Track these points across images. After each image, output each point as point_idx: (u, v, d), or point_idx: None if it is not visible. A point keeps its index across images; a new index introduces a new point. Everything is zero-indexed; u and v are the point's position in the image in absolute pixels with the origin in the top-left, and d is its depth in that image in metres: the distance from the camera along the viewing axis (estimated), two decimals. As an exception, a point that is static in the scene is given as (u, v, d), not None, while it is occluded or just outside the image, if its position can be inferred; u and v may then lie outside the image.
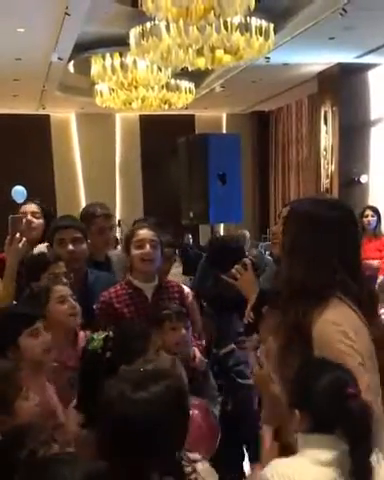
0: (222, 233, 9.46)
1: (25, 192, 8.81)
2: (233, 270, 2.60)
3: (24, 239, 2.94)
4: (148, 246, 2.96)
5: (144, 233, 3.02)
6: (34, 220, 3.51)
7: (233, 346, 3.27)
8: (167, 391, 1.44)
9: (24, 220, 3.19)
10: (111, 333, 2.14)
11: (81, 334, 2.69)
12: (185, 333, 2.74)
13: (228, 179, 5.46)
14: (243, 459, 3.42)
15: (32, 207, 3.59)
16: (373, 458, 1.56)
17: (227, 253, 3.59)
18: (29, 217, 3.47)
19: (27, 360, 2.21)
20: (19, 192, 8.69)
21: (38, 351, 2.26)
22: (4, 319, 2.32)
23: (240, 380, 3.16)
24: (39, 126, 11.48)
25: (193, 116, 12.35)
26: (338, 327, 1.73)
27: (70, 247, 3.12)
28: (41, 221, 3.52)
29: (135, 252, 2.98)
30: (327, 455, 1.56)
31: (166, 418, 1.42)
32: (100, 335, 2.16)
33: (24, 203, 3.72)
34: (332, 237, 1.83)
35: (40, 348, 2.27)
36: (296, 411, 1.62)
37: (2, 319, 2.33)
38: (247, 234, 9.14)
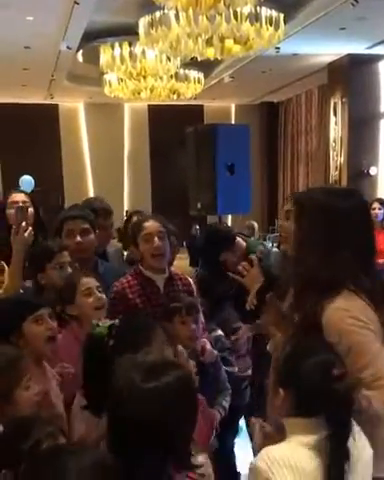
0: (230, 224, 9.44)
1: (33, 181, 8.81)
2: (239, 267, 2.59)
3: (30, 228, 2.94)
4: (157, 239, 2.94)
5: (151, 225, 2.99)
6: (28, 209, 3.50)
7: (220, 332, 3.28)
8: (177, 381, 1.43)
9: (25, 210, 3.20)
10: (117, 321, 2.14)
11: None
12: (195, 327, 2.72)
13: (236, 170, 5.44)
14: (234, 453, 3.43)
15: (21, 196, 3.58)
16: (350, 442, 1.57)
17: (218, 241, 3.61)
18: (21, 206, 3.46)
19: (30, 347, 2.22)
20: (27, 181, 8.69)
21: (41, 338, 2.26)
22: (9, 305, 2.32)
23: (224, 367, 3.17)
24: (48, 116, 11.47)
25: (202, 106, 12.31)
26: (348, 312, 1.75)
27: (78, 238, 3.11)
28: (31, 210, 3.51)
29: (145, 246, 2.96)
30: (310, 439, 1.58)
31: (178, 408, 1.41)
32: (106, 323, 2.15)
33: (11, 193, 3.70)
34: (345, 228, 1.83)
35: (44, 335, 2.27)
36: (280, 390, 1.64)
37: (7, 305, 2.33)
38: (255, 225, 9.12)
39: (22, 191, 3.75)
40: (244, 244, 3.67)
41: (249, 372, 3.39)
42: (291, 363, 1.67)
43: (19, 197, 3.56)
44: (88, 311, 2.60)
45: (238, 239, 3.72)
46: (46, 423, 1.64)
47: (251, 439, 3.53)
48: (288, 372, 1.66)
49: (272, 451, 1.61)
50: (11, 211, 3.28)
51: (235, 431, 3.44)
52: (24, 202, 3.50)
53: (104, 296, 2.68)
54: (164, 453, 1.40)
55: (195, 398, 1.52)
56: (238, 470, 3.36)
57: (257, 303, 2.20)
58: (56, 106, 11.75)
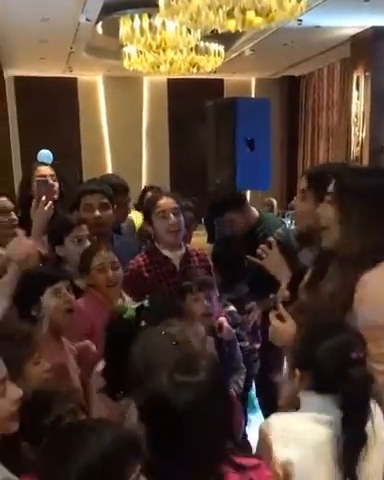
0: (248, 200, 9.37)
1: (51, 155, 8.79)
2: (258, 250, 2.58)
3: (50, 202, 2.94)
4: (172, 216, 2.92)
5: (165, 202, 2.97)
6: (55, 183, 3.50)
7: (232, 308, 3.29)
8: (208, 374, 1.39)
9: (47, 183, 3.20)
10: (146, 302, 2.12)
11: (127, 298, 2.70)
12: (208, 304, 2.71)
13: (256, 145, 5.36)
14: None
15: (48, 169, 3.58)
16: (368, 427, 1.54)
17: (225, 199, 3.59)
18: (50, 181, 3.47)
19: (48, 319, 2.23)
20: (45, 155, 8.67)
21: (59, 310, 2.28)
22: (28, 278, 2.34)
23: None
24: (66, 89, 11.41)
25: (222, 81, 12.14)
26: (381, 282, 1.77)
27: (97, 213, 3.11)
28: (57, 184, 3.52)
29: (160, 223, 2.94)
30: (326, 416, 1.56)
31: (210, 402, 1.38)
32: (133, 304, 2.14)
33: (38, 165, 3.69)
34: (379, 207, 1.86)
35: (62, 307, 2.29)
36: (297, 371, 1.63)
37: (26, 278, 2.35)
38: (274, 202, 9.05)
39: (47, 164, 3.75)
40: (256, 212, 3.66)
41: (258, 345, 3.43)
42: (308, 343, 1.64)
43: (45, 170, 3.56)
44: (101, 287, 2.61)
45: (253, 208, 3.72)
46: (66, 399, 1.66)
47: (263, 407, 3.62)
48: (305, 353, 1.64)
49: (281, 419, 1.60)
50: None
51: (245, 405, 3.48)
52: (51, 176, 3.51)
53: (119, 272, 2.68)
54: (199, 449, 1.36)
55: (224, 388, 1.49)
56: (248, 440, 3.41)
57: (291, 296, 2.20)
58: (75, 79, 11.68)
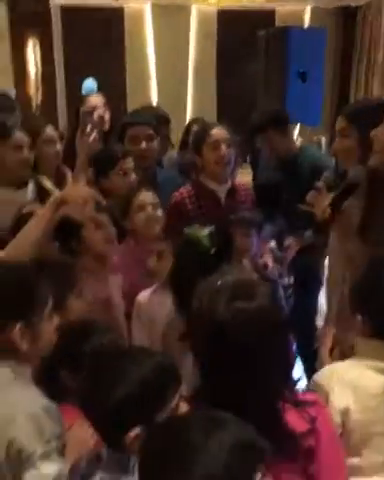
0: (296, 137, 9.09)
1: (95, 86, 8.67)
2: (308, 197, 2.51)
3: (95, 133, 2.88)
4: (223, 147, 2.85)
5: (218, 133, 2.89)
6: (105, 114, 3.42)
7: (273, 244, 3.27)
8: (266, 300, 1.36)
9: (95, 114, 3.12)
10: (213, 228, 2.10)
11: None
12: (247, 240, 2.68)
13: (309, 78, 5.14)
14: None
15: (100, 99, 3.50)
16: None
17: (266, 117, 3.55)
18: (100, 111, 3.40)
19: (91, 252, 2.22)
20: (89, 86, 8.55)
21: (100, 241, 2.27)
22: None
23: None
24: (112, 18, 11.11)
25: (273, 12, 11.59)
26: None
27: (143, 145, 3.06)
28: (107, 114, 3.44)
29: (210, 154, 2.87)
30: (382, 364, 1.51)
31: (270, 328, 1.33)
32: (202, 231, 2.10)
33: (88, 95, 3.60)
34: None
35: (103, 238, 2.27)
36: (358, 316, 1.58)
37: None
38: (323, 140, 8.80)
39: (99, 95, 3.67)
40: (299, 143, 3.60)
41: (292, 279, 3.45)
42: (368, 287, 1.57)
43: (95, 100, 3.49)
44: (139, 227, 2.58)
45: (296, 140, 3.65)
46: (106, 330, 1.68)
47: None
48: (365, 296, 1.57)
49: (337, 368, 1.57)
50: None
51: None
52: (102, 105, 3.44)
53: (159, 212, 2.64)
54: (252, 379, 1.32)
55: (283, 323, 1.44)
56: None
57: (333, 211, 2.16)
58: (121, 9, 11.34)
